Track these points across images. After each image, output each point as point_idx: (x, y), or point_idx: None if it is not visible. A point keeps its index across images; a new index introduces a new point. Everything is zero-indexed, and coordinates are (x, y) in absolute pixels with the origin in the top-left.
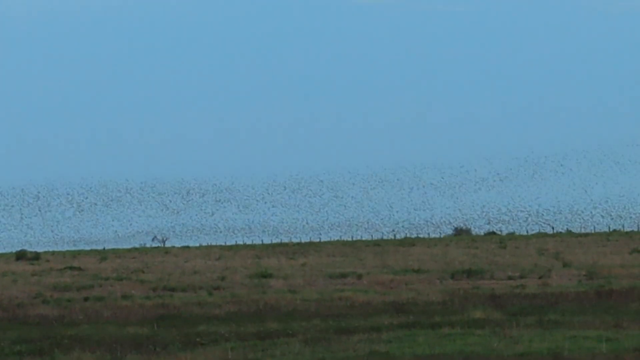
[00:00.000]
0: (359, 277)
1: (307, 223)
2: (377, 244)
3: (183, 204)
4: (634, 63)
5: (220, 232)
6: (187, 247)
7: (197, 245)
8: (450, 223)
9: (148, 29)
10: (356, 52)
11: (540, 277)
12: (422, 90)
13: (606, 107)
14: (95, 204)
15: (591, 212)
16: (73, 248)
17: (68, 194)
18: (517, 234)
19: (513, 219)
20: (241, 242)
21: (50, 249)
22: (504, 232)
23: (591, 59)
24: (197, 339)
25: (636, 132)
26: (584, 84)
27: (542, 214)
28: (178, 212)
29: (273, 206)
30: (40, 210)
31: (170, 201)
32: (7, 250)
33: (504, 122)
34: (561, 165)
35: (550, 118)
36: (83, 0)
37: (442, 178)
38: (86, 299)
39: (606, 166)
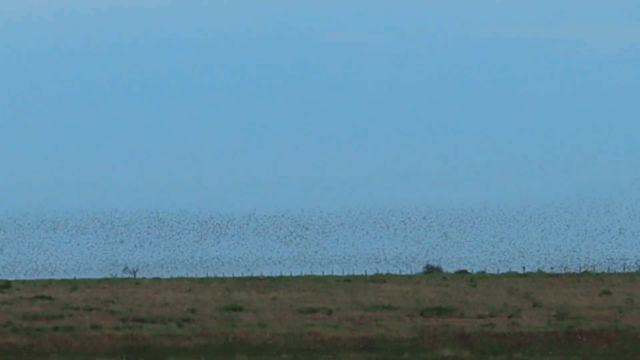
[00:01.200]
0: (329, 312)
1: (278, 257)
2: (348, 280)
3: (155, 235)
4: (608, 114)
5: (192, 264)
6: (158, 278)
7: (168, 277)
8: (421, 260)
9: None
10: (333, 95)
11: (510, 317)
12: (399, 132)
13: (586, 157)
14: (67, 234)
15: (563, 253)
16: (44, 277)
17: (40, 223)
18: (488, 272)
19: (484, 258)
20: (212, 275)
21: (21, 278)
22: (475, 271)
23: (566, 110)
24: None
25: (609, 181)
26: (561, 135)
27: (514, 254)
28: (150, 244)
29: (244, 240)
30: (11, 238)
31: (142, 233)
32: None
33: (486, 169)
34: (538, 215)
35: (533, 167)
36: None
37: (414, 217)
38: (56, 329)
39: (581, 215)
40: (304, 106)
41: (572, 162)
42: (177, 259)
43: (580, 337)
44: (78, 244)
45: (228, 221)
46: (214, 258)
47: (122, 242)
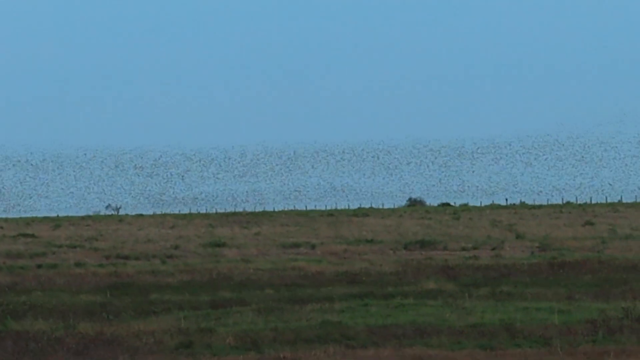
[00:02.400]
0: (313, 247)
1: (261, 192)
2: (331, 214)
3: (138, 172)
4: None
5: (174, 201)
6: (141, 215)
7: (151, 213)
8: (404, 194)
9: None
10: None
11: (493, 249)
12: (385, 64)
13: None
14: (50, 171)
15: (545, 184)
16: (26, 215)
17: (22, 161)
18: (471, 205)
19: (467, 190)
20: (195, 211)
21: (4, 216)
22: (458, 204)
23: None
24: (150, 308)
25: (589, 113)
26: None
27: (496, 186)
28: (132, 181)
29: (227, 176)
30: None
31: (125, 169)
32: None
33: (467, 103)
34: (519, 148)
35: (512, 101)
36: None
37: (397, 150)
38: (39, 267)
39: (562, 146)
40: (295, 39)
41: (553, 94)
42: (160, 196)
43: (563, 268)
44: (61, 182)
45: (210, 157)
46: (197, 194)
47: (106, 179)
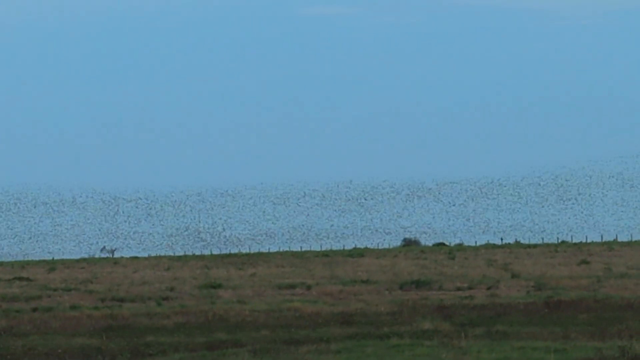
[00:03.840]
0: (308, 287)
1: (256, 234)
2: (326, 255)
3: (132, 214)
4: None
5: (170, 238)
6: (136, 257)
7: (146, 255)
8: (399, 234)
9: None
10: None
11: (488, 288)
12: (375, 107)
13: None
14: (44, 214)
15: (540, 224)
16: (21, 258)
17: (16, 204)
18: (466, 245)
19: (462, 230)
20: (190, 253)
21: None
22: (453, 243)
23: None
24: (146, 350)
25: (584, 153)
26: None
27: (491, 226)
28: (127, 223)
29: (223, 217)
30: None
31: (119, 212)
32: None
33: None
34: (514, 188)
35: (507, 142)
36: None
37: (391, 191)
38: (35, 310)
39: (557, 186)
40: (281, 81)
41: (549, 134)
42: (155, 237)
43: (559, 307)
44: (55, 224)
45: (203, 197)
46: (191, 235)
47: (100, 220)
